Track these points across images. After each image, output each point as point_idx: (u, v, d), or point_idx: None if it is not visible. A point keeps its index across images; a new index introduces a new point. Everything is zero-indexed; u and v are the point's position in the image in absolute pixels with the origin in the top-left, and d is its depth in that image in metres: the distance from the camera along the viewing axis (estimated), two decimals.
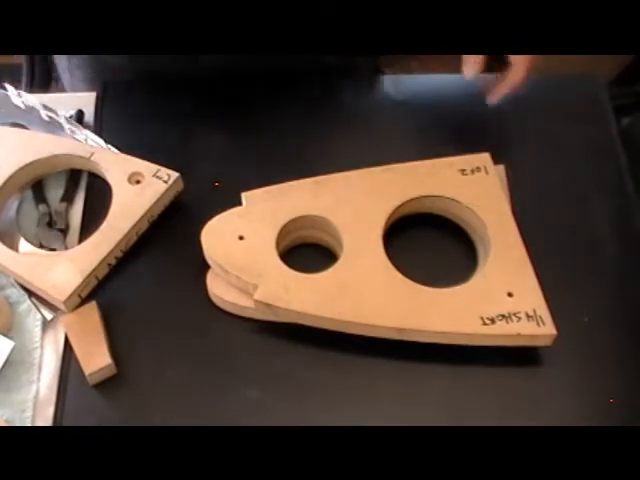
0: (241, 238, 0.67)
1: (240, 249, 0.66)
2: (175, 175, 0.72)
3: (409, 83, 0.85)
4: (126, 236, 0.69)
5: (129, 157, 0.74)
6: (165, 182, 0.71)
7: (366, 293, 0.65)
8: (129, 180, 0.72)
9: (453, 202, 0.70)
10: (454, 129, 0.79)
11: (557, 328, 0.63)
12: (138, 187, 0.72)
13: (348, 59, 0.81)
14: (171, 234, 0.72)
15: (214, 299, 0.68)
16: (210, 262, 0.67)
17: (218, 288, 0.67)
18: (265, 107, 0.82)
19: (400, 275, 0.66)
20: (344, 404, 0.64)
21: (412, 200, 0.70)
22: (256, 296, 0.64)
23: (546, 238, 0.71)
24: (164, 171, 0.72)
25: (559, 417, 0.63)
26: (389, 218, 0.69)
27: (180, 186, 0.73)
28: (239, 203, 0.70)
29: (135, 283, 0.70)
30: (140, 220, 0.70)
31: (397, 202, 0.70)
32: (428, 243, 0.71)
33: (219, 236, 0.67)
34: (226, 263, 0.66)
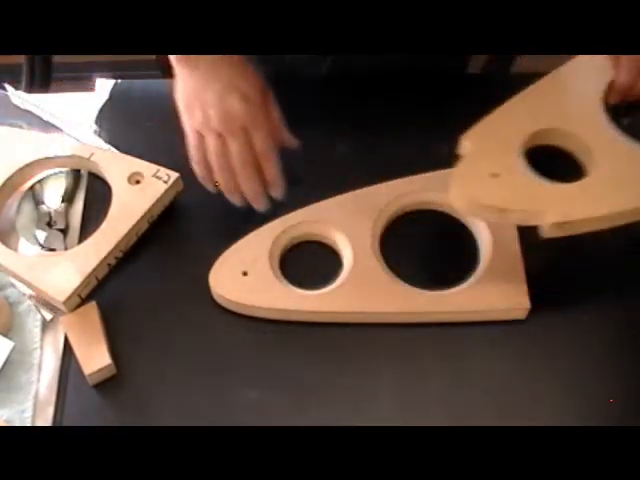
0: None
1: None
2: (175, 175, 0.72)
3: None
4: (126, 236, 0.69)
5: (129, 157, 0.74)
6: (165, 182, 0.71)
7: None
8: (129, 180, 0.72)
9: None
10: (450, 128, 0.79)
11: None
12: (138, 187, 0.72)
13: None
14: (171, 234, 0.72)
15: (218, 299, 0.68)
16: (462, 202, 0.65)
17: (221, 287, 0.67)
18: None
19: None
20: (344, 404, 0.64)
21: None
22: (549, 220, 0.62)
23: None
24: (164, 171, 0.72)
25: (559, 417, 0.63)
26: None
27: (180, 186, 0.73)
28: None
29: (135, 283, 0.70)
30: (140, 220, 0.70)
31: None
32: (425, 240, 0.72)
33: None
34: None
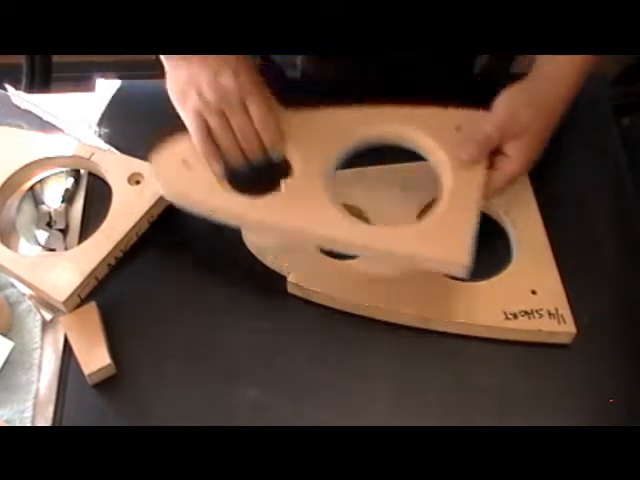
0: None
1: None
2: None
3: None
4: (126, 236, 0.69)
5: (129, 157, 0.74)
6: None
7: (395, 282, 0.67)
8: (129, 180, 0.72)
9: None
10: None
11: (577, 327, 0.65)
12: (138, 187, 0.72)
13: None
14: (171, 234, 0.72)
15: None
16: (248, 244, 0.70)
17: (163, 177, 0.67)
18: None
19: None
20: (344, 404, 0.64)
21: None
22: (290, 278, 0.67)
23: None
24: None
25: (559, 417, 0.63)
26: (421, 213, 0.71)
27: None
28: None
29: (135, 283, 0.70)
30: (140, 220, 0.70)
31: (429, 198, 0.70)
32: None
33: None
34: (262, 246, 0.69)
